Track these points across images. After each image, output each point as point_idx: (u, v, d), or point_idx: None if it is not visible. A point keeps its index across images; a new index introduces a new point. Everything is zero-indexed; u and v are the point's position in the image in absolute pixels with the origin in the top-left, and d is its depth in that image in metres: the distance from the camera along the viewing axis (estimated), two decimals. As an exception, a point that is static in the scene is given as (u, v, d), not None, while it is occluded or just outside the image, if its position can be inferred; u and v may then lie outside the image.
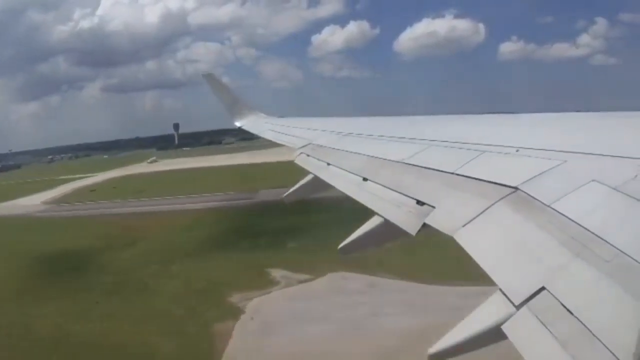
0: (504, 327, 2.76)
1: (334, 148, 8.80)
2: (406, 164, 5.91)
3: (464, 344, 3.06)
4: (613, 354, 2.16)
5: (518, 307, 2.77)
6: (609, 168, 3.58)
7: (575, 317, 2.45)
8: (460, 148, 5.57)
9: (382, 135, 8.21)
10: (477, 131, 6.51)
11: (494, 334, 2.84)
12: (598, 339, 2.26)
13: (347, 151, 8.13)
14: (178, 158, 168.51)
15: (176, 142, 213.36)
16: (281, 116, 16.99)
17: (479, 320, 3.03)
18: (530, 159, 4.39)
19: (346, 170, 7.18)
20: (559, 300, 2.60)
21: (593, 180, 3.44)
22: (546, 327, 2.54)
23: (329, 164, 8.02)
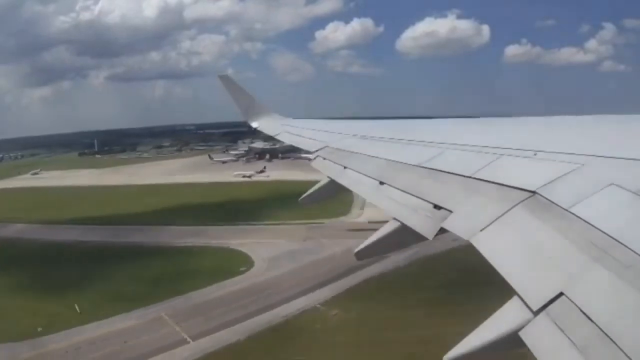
0: (522, 333, 2.73)
1: (350, 151, 8.80)
2: (423, 167, 5.90)
3: (481, 350, 3.04)
4: None
5: (536, 313, 2.75)
6: (628, 172, 3.53)
7: (595, 323, 2.42)
8: (478, 152, 5.54)
9: (399, 139, 8.19)
10: (494, 134, 6.46)
11: (512, 340, 2.81)
12: (618, 346, 2.23)
13: (363, 154, 8.13)
14: (67, 170, 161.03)
15: (96, 148, 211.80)
16: (297, 117, 17.03)
17: (496, 325, 3.00)
18: (548, 163, 4.35)
19: (363, 174, 7.18)
20: (577, 307, 2.57)
21: (612, 184, 3.40)
22: (565, 334, 2.50)
23: (345, 168, 8.02)
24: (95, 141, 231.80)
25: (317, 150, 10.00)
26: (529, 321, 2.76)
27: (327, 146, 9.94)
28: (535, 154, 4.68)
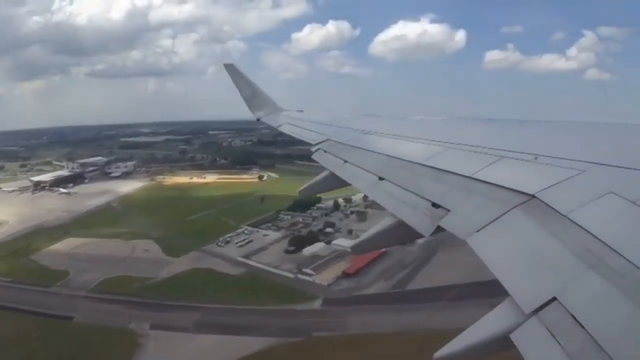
0: (513, 336, 2.75)
1: (351, 145, 8.79)
2: (423, 165, 5.90)
3: (471, 349, 3.05)
4: None
5: (528, 316, 2.76)
6: (627, 181, 3.54)
7: (587, 331, 2.43)
8: (479, 152, 5.54)
9: (400, 136, 8.19)
10: (496, 136, 6.47)
11: (502, 342, 2.82)
12: (609, 355, 2.24)
13: (364, 149, 8.12)
14: None
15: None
16: (300, 110, 16.98)
17: (488, 326, 3.02)
18: (548, 167, 4.36)
19: (363, 169, 7.19)
20: (570, 312, 2.59)
21: (610, 192, 3.41)
22: (555, 339, 2.52)
23: (345, 161, 8.02)
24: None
25: (318, 143, 9.99)
26: (520, 324, 2.77)
27: (328, 139, 9.92)
28: (535, 158, 4.69)
